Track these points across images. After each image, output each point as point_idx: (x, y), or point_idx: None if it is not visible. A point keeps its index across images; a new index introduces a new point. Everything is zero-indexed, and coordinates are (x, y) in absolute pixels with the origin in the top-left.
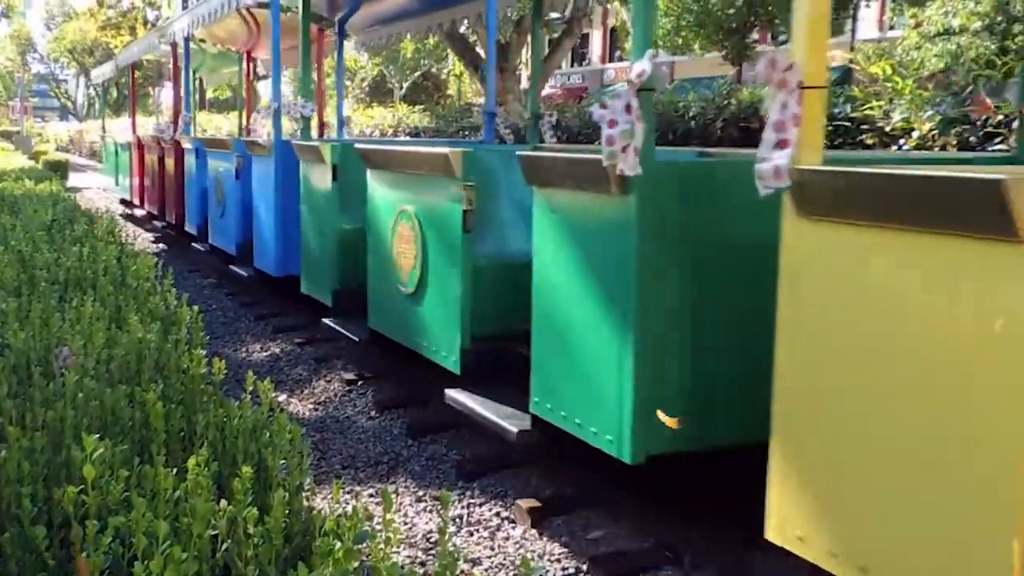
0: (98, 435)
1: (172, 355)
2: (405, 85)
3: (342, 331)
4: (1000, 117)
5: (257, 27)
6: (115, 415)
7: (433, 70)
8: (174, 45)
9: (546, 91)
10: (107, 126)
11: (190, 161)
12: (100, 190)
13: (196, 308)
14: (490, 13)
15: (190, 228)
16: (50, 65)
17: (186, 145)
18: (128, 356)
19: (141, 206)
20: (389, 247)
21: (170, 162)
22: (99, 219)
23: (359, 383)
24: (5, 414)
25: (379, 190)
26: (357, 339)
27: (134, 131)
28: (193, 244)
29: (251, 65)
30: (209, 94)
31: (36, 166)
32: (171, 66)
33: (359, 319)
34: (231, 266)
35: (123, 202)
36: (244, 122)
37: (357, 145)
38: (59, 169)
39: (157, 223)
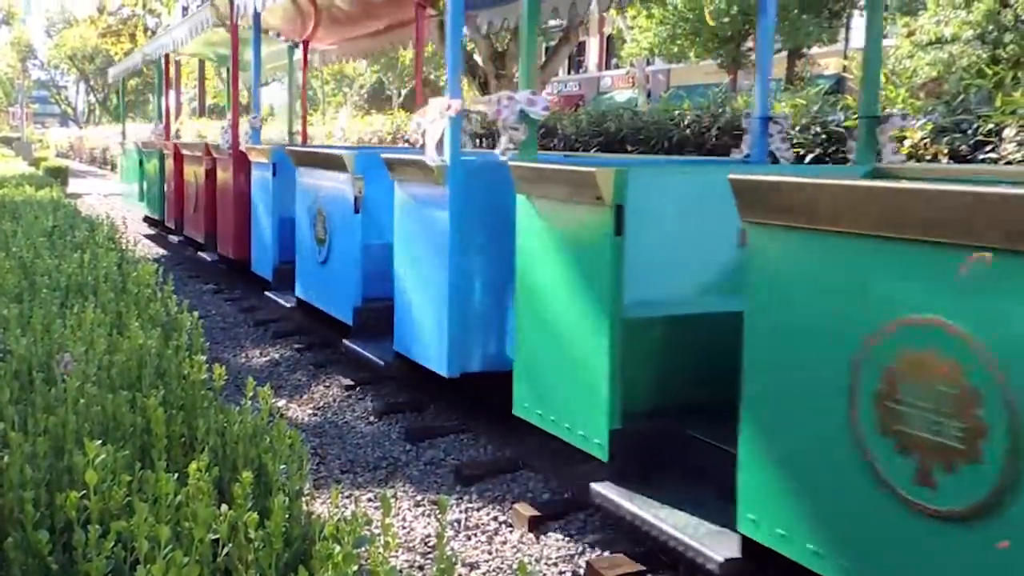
0: (100, 440)
1: (173, 361)
2: (403, 92)
3: (688, 541)
4: (991, 126)
5: (316, 11)
6: (116, 420)
7: (432, 77)
8: (235, 28)
9: None
10: (107, 130)
11: (263, 180)
12: (101, 196)
13: (196, 314)
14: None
15: (260, 271)
16: (50, 71)
17: (257, 158)
18: (129, 362)
19: (177, 230)
20: (855, 398)
21: (225, 177)
22: (99, 225)
23: (357, 388)
24: (7, 419)
25: (819, 274)
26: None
27: (167, 136)
28: (267, 293)
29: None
30: (209, 99)
31: (37, 172)
32: (174, 71)
33: (674, 499)
34: (348, 342)
35: (149, 221)
36: (301, 127)
37: (736, 176)
38: (59, 175)
39: (205, 255)
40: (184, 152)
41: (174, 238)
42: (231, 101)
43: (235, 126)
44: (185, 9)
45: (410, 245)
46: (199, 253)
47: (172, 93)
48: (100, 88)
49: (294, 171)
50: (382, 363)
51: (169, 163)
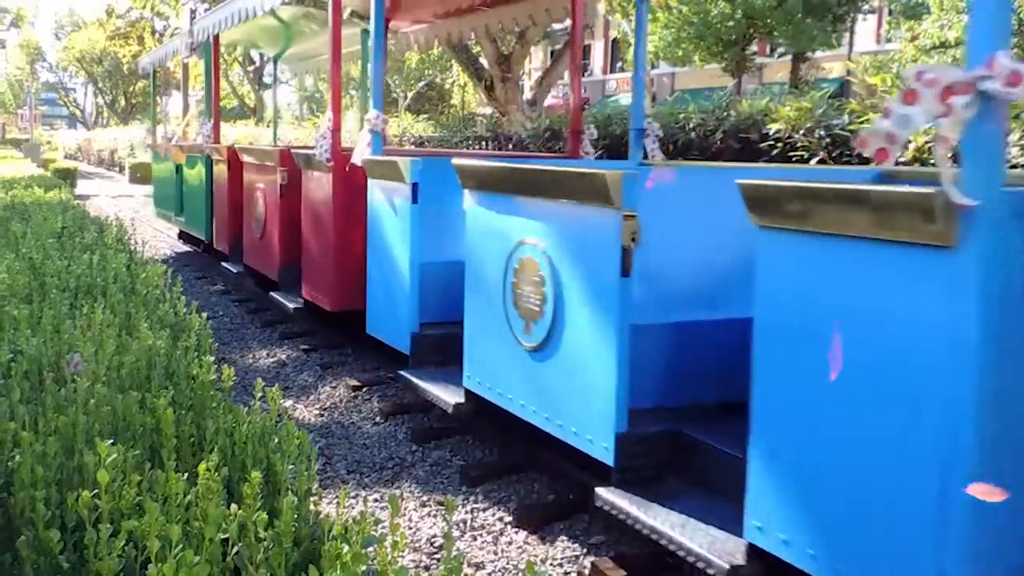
0: (110, 440)
1: (181, 362)
2: (410, 95)
3: None
4: None
5: None
6: (126, 421)
7: (437, 80)
8: (336, 8)
9: (548, 101)
10: (115, 132)
11: (392, 205)
12: (109, 197)
13: (204, 315)
14: None
15: (386, 336)
16: (59, 74)
17: (382, 174)
18: (138, 363)
19: (235, 258)
20: None
21: (319, 197)
22: (108, 227)
23: (364, 389)
24: (18, 419)
25: None
26: None
27: (217, 139)
28: (403, 374)
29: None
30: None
31: (45, 174)
32: (180, 74)
33: None
34: (614, 499)
35: (186, 237)
36: (365, 127)
37: None
38: (68, 177)
39: (280, 298)
40: (245, 159)
41: (230, 267)
42: (314, 98)
43: (336, 130)
44: (193, 12)
45: (835, 344)
46: (271, 294)
47: (172, 93)
48: (108, 90)
49: (453, 195)
50: (727, 567)
51: (220, 171)
